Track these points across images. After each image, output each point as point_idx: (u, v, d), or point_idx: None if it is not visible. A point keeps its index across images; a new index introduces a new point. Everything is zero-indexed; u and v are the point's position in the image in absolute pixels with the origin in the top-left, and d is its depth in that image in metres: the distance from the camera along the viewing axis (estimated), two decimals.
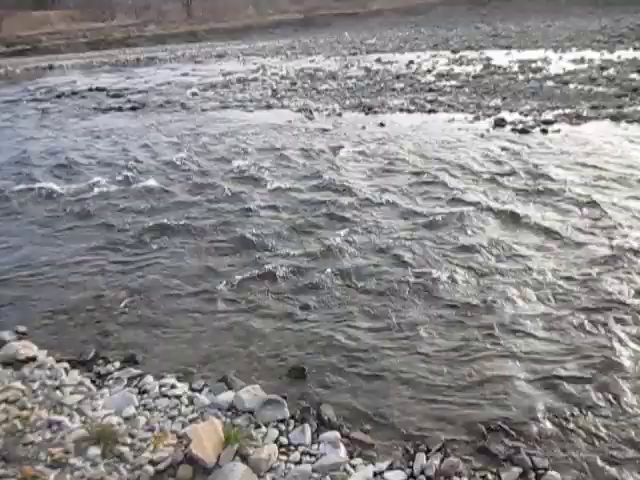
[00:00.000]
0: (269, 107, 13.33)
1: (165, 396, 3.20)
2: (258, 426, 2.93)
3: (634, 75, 13.36)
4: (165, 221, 5.97)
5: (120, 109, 14.33)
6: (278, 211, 6.18)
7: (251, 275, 4.68)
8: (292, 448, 2.80)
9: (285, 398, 3.12)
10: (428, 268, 4.62)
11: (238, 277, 4.65)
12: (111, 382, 3.37)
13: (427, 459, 2.70)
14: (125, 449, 2.71)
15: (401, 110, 11.66)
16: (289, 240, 5.41)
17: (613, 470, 2.61)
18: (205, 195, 6.88)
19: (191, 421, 2.96)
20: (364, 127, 10.25)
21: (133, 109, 14.26)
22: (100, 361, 3.62)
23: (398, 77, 16.54)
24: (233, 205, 6.45)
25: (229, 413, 3.05)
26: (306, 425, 2.93)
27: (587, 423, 2.88)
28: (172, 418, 3.00)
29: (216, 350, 3.72)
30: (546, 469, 2.63)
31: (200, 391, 3.26)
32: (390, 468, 2.67)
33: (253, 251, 5.20)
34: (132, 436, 2.82)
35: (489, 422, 2.92)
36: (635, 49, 18.45)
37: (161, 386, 3.30)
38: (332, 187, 6.84)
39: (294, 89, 15.87)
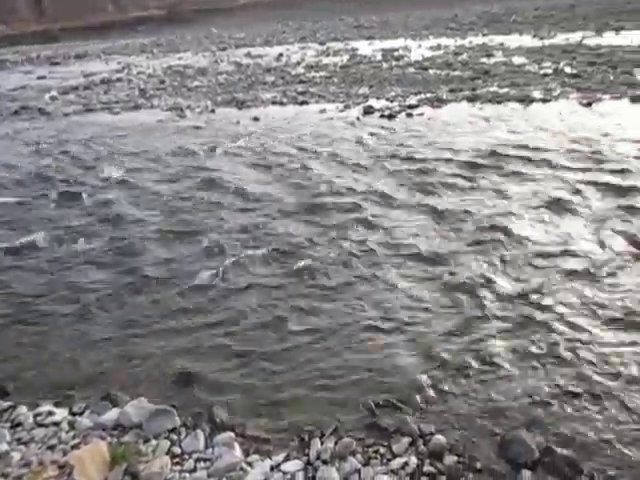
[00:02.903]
0: (137, 108, 12.77)
1: (42, 425, 2.96)
2: (148, 440, 2.82)
3: (484, 59, 14.48)
4: (26, 238, 5.49)
5: None
6: (151, 215, 5.94)
7: (125, 285, 4.47)
8: (185, 456, 2.72)
9: (174, 406, 3.02)
10: (306, 253, 4.71)
11: (111, 288, 4.43)
12: None
13: (322, 444, 2.74)
14: None
15: (274, 103, 11.70)
16: (164, 244, 5.22)
17: (490, 424, 2.82)
18: (71, 205, 6.44)
19: (73, 447, 2.77)
20: (238, 122, 10.16)
21: None
22: None
23: (269, 70, 16.58)
24: (102, 213, 6.10)
25: (115, 432, 2.89)
26: (198, 430, 2.86)
27: (464, 384, 3.09)
28: (51, 448, 2.78)
29: (97, 368, 3.51)
30: (432, 434, 2.78)
31: (81, 414, 3.05)
32: (287, 459, 2.69)
33: (126, 259, 4.96)
34: (5, 475, 2.57)
35: (377, 398, 3.03)
36: (484, 35, 19.98)
37: (36, 415, 3.04)
38: (208, 185, 6.71)
39: (163, 87, 15.33)
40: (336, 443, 2.74)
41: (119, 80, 17.77)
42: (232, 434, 2.83)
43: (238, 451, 2.72)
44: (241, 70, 17.33)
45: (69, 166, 8.16)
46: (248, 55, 21.43)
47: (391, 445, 2.73)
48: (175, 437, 2.84)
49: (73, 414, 3.06)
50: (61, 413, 3.05)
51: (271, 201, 6.05)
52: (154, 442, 2.79)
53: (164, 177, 7.24)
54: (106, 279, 4.62)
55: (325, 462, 2.64)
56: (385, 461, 2.64)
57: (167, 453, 2.72)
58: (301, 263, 4.58)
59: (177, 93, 14.24)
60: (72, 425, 2.95)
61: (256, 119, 10.26)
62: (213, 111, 11.48)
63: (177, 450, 2.75)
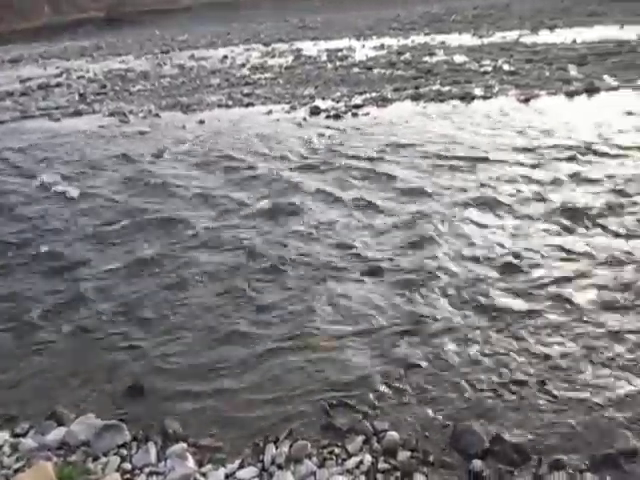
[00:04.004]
0: (78, 113, 12.34)
1: None
2: (97, 457, 2.74)
3: (427, 58, 14.74)
4: None
5: None
6: (91, 224, 5.76)
7: (67, 297, 4.33)
8: (137, 472, 2.66)
9: (124, 421, 2.94)
10: (253, 255, 4.72)
11: (52, 301, 4.29)
12: None
13: (276, 448, 2.73)
14: None
15: (219, 106, 11.55)
16: (106, 253, 5.08)
17: (441, 417, 2.88)
18: (8, 216, 6.19)
19: (17, 471, 2.66)
20: (184, 126, 9.99)
21: None
22: None
23: (213, 73, 16.36)
24: (39, 223, 5.89)
25: (62, 451, 2.79)
26: (150, 444, 2.80)
27: (415, 380, 3.14)
28: None
29: (41, 386, 3.38)
30: (386, 430, 2.81)
31: (25, 435, 2.94)
32: (241, 466, 2.66)
33: (64, 271, 4.80)
34: None
35: (331, 399, 3.04)
36: (426, 34, 20.33)
37: None
38: (153, 191, 6.58)
39: (104, 92, 14.88)
40: (291, 446, 2.73)
41: (58, 85, 17.14)
42: (185, 445, 2.78)
43: (191, 462, 2.67)
44: (185, 73, 17.03)
45: (5, 175, 7.82)
46: (192, 57, 21.06)
47: (346, 445, 2.75)
48: (125, 452, 2.77)
49: (16, 436, 2.94)
50: (2, 436, 2.92)
51: (216, 202, 6.02)
52: (103, 459, 2.72)
53: (106, 184, 7.03)
54: (44, 292, 4.46)
55: (280, 467, 2.63)
56: (340, 461, 2.66)
57: (117, 470, 2.65)
58: (245, 263, 4.58)
59: (119, 97, 13.87)
60: (15, 448, 2.83)
61: (202, 122, 10.12)
62: (157, 115, 11.23)
63: (128, 466, 2.68)
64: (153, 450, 2.75)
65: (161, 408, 3.08)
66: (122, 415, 3.03)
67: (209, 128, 9.66)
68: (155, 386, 3.25)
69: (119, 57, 24.71)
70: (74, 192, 6.78)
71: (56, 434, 2.88)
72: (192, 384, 3.26)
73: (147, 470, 2.65)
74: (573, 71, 11.16)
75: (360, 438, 2.77)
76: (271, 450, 2.72)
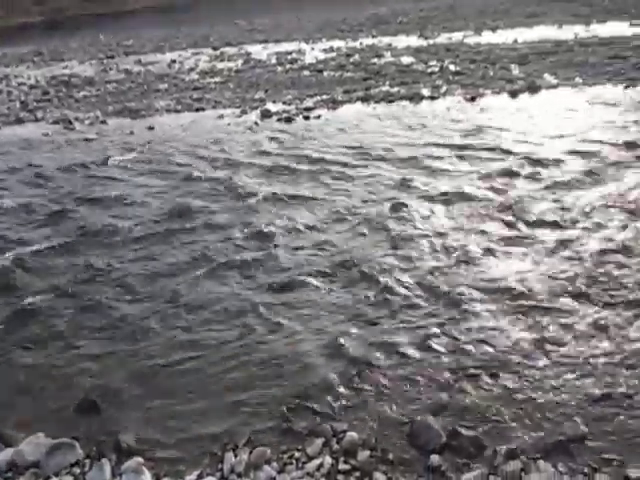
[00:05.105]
0: (20, 122, 11.92)
1: None
2: (48, 477, 2.63)
3: (375, 60, 14.94)
4: None
5: None
6: (35, 236, 5.56)
7: (13, 311, 4.17)
8: None
9: (76, 438, 2.85)
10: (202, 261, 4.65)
11: None
12: None
13: (235, 456, 2.70)
14: None
15: (169, 111, 11.38)
16: (54, 264, 4.92)
17: (399, 414, 2.90)
18: None
19: None
20: (132, 132, 9.78)
21: None
22: None
23: (162, 78, 16.09)
24: None
25: (9, 474, 2.68)
26: (104, 460, 2.71)
27: (373, 379, 3.16)
28: None
29: None
30: (345, 431, 2.81)
31: None
32: (200, 477, 2.61)
33: (9, 283, 4.62)
34: None
35: (289, 402, 3.03)
36: (373, 37, 20.60)
37: None
38: (101, 200, 6.41)
39: (47, 99, 14.43)
40: (250, 453, 2.70)
41: None
42: (140, 459, 2.70)
43: (148, 476, 2.61)
44: (132, 78, 16.69)
45: None
46: (139, 62, 20.66)
47: (305, 448, 2.74)
48: (78, 471, 2.68)
49: None
50: None
51: (166, 205, 5.93)
52: (55, 479, 2.61)
53: (48, 195, 6.80)
54: None
55: (240, 475, 2.60)
56: (300, 465, 2.64)
57: None
58: (199, 271, 4.53)
59: (64, 104, 13.47)
60: None
61: (151, 128, 9.93)
62: (104, 122, 10.96)
63: None
64: (107, 467, 2.67)
65: (117, 422, 2.99)
66: (74, 432, 2.92)
67: (159, 134, 9.50)
68: (111, 399, 3.16)
69: (62, 63, 24.00)
70: (9, 204, 6.52)
71: (3, 456, 2.76)
72: (150, 395, 3.18)
73: None
74: (515, 70, 11.53)
75: (320, 440, 2.76)
76: (230, 458, 2.68)
